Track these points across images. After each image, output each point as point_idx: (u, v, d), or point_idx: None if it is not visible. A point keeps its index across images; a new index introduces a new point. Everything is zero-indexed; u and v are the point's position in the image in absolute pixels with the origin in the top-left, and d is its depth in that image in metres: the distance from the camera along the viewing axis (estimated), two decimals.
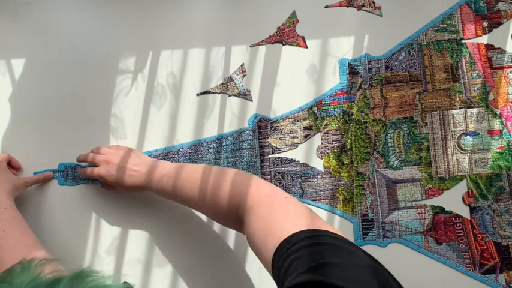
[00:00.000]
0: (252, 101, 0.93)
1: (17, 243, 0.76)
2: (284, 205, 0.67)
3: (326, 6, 0.94)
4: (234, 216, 0.73)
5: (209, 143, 0.93)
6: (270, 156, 0.92)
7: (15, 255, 0.71)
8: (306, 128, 0.92)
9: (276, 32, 0.94)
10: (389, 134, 0.90)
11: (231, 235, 0.90)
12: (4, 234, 0.77)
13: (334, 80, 0.92)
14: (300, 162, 0.91)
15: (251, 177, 0.74)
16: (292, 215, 0.65)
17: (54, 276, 0.42)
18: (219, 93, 0.93)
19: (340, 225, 0.89)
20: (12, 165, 0.92)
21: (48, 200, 0.93)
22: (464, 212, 0.88)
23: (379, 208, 0.89)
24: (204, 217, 0.91)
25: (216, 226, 0.91)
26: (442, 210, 0.88)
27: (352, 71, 0.92)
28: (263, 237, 0.63)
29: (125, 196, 0.91)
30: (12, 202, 0.83)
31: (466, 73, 0.90)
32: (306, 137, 0.92)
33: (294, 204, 0.68)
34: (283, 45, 0.94)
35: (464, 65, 0.90)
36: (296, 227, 0.59)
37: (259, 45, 0.94)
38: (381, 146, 0.90)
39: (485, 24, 0.91)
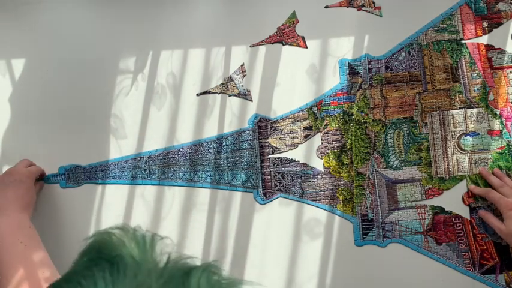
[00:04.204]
0: (252, 101, 0.93)
1: (32, 262, 0.75)
2: None
3: (326, 6, 0.94)
4: None
5: (209, 143, 0.93)
6: (270, 156, 0.92)
7: (32, 273, 0.72)
8: (306, 128, 0.92)
9: (276, 32, 0.94)
10: (389, 134, 0.90)
11: (231, 236, 0.90)
12: (26, 249, 0.76)
13: (334, 80, 0.92)
14: (300, 162, 0.91)
15: None
16: None
17: (182, 262, 0.37)
18: (219, 93, 0.93)
19: (340, 225, 0.89)
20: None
21: (52, 203, 0.93)
22: (464, 212, 0.88)
23: (379, 208, 0.89)
24: (204, 217, 0.91)
25: (217, 227, 0.91)
26: (442, 210, 0.88)
27: (352, 71, 0.92)
28: None
29: (128, 196, 0.91)
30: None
31: (466, 73, 0.90)
32: (306, 137, 0.92)
33: None
34: (283, 45, 0.94)
35: (464, 65, 0.90)
36: None
37: (259, 45, 0.94)
38: (381, 146, 0.90)
39: (485, 24, 0.91)
